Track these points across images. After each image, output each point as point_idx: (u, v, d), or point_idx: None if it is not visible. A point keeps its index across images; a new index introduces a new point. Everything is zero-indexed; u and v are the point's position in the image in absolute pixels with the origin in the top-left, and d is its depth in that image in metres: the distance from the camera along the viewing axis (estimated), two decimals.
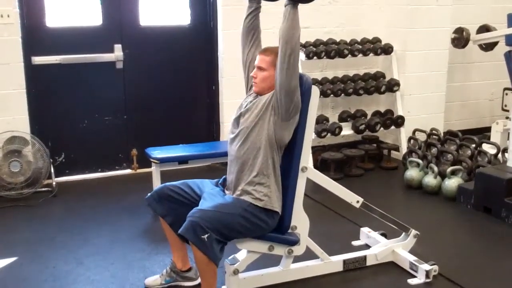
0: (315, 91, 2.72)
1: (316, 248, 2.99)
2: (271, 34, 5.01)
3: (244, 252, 2.84)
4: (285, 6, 2.55)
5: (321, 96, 4.74)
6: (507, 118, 5.15)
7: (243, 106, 2.79)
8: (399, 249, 3.19)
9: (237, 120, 2.76)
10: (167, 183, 2.84)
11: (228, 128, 2.90)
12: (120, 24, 4.62)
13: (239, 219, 2.58)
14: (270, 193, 2.66)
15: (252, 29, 2.90)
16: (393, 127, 5.12)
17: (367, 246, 3.37)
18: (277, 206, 2.69)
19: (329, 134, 4.85)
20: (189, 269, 2.95)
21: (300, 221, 2.81)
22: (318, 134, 4.75)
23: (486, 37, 5.22)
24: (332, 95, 4.95)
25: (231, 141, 2.78)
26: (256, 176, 2.65)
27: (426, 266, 3.00)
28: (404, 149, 5.07)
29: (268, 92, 2.71)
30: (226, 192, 2.79)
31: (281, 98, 2.59)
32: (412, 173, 4.44)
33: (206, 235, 2.45)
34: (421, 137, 5.04)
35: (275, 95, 2.63)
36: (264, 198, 2.64)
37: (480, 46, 5.41)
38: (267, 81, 2.70)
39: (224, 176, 2.89)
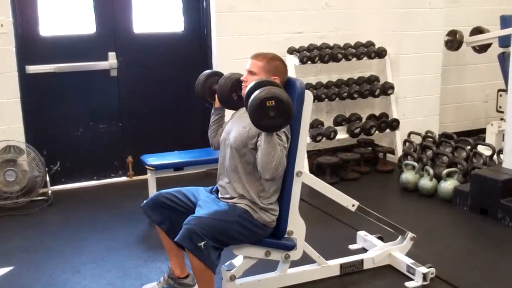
0: (309, 95, 2.72)
1: (312, 253, 2.99)
2: (264, 39, 5.05)
3: (240, 258, 2.84)
4: (260, 134, 2.54)
5: (316, 100, 4.75)
6: (501, 119, 5.16)
7: (231, 122, 2.84)
8: (396, 252, 3.18)
9: (226, 136, 2.79)
10: (162, 191, 2.84)
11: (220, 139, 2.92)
12: (114, 32, 4.62)
13: (235, 226, 2.58)
14: (264, 211, 2.67)
15: (218, 131, 3.01)
16: (388, 130, 5.13)
17: (364, 250, 3.37)
18: (270, 221, 2.69)
19: (324, 138, 4.85)
20: (187, 276, 2.94)
21: (296, 226, 2.81)
22: (313, 138, 4.75)
23: (480, 39, 5.25)
24: (326, 99, 4.95)
25: (222, 148, 2.81)
26: (248, 192, 2.66)
27: (423, 269, 3.00)
28: (399, 152, 5.08)
29: None
30: (219, 194, 2.80)
31: None
32: (408, 176, 4.45)
33: (203, 243, 2.45)
34: (416, 139, 5.06)
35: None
36: (259, 212, 2.65)
37: (474, 48, 5.43)
38: None
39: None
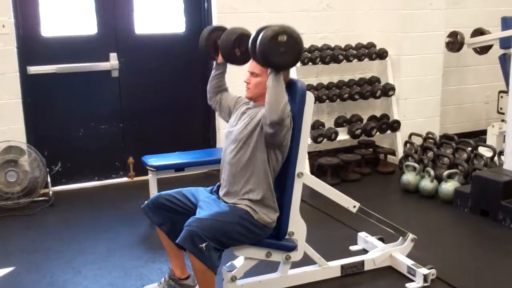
0: (310, 97, 2.73)
1: (313, 254, 2.99)
2: None
3: (241, 259, 2.84)
4: (268, 74, 2.52)
5: (317, 101, 4.76)
6: (502, 121, 5.16)
7: (234, 120, 2.82)
8: (396, 253, 3.19)
9: (230, 133, 2.77)
10: (162, 192, 2.84)
11: (224, 135, 2.91)
12: (115, 33, 4.62)
13: (236, 227, 2.58)
14: (266, 211, 2.67)
15: (218, 87, 2.98)
16: (389, 131, 5.13)
17: (364, 251, 3.37)
18: (270, 222, 2.69)
19: (325, 139, 4.85)
20: (188, 277, 2.94)
21: (297, 227, 2.81)
22: (314, 139, 4.75)
23: (481, 40, 5.25)
24: (327, 101, 4.96)
25: (225, 148, 2.79)
26: (250, 192, 2.66)
27: (424, 270, 3.00)
28: (400, 153, 5.08)
29: (260, 99, 2.71)
30: (220, 194, 2.79)
31: (270, 141, 2.61)
32: (409, 177, 4.45)
33: (204, 244, 2.45)
34: (417, 141, 5.05)
35: (265, 134, 2.60)
36: (260, 213, 2.65)
37: (475, 49, 5.43)
38: (260, 87, 2.70)
39: (218, 183, 2.88)
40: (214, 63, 2.99)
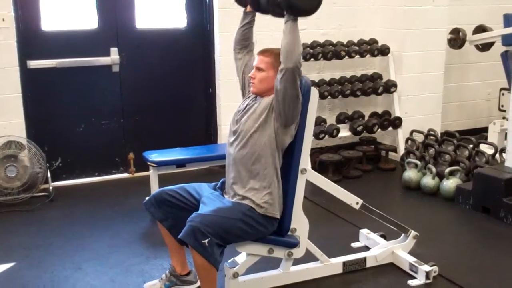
0: (314, 92, 2.72)
1: (315, 250, 2.98)
2: (269, 37, 5.03)
3: (243, 255, 2.83)
4: (285, 22, 2.51)
5: (319, 98, 4.70)
6: (504, 118, 5.16)
7: (241, 109, 2.78)
8: (398, 250, 3.18)
9: (235, 123, 2.75)
10: (165, 188, 2.83)
11: (226, 131, 2.89)
12: (116, 27, 4.60)
13: (239, 224, 2.56)
14: (272, 200, 2.65)
15: (245, 40, 2.93)
16: (390, 128, 5.12)
17: (366, 248, 3.36)
18: (277, 213, 2.68)
19: (326, 136, 4.84)
20: (189, 273, 2.94)
21: (299, 223, 2.80)
22: (316, 136, 4.73)
23: (483, 37, 5.24)
24: (329, 97, 4.94)
25: (229, 144, 2.76)
26: (257, 182, 2.64)
27: (426, 267, 2.99)
28: (402, 150, 5.07)
29: (266, 94, 2.70)
30: (225, 196, 2.77)
31: (283, 107, 2.57)
32: (410, 174, 4.44)
33: (207, 240, 2.44)
34: (419, 138, 5.05)
35: (276, 103, 2.60)
36: (265, 205, 2.63)
37: (477, 46, 5.42)
38: (265, 82, 2.69)
39: (222, 179, 2.87)
40: (243, 12, 2.93)
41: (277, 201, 2.67)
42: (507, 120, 4.97)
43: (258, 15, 2.91)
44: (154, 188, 3.82)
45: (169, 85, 4.86)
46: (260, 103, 2.69)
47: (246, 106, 2.76)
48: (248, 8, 2.87)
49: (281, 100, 2.56)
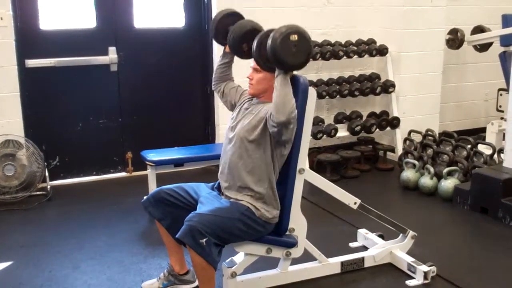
0: (312, 92, 2.71)
1: (314, 250, 2.98)
2: None
3: (241, 255, 2.83)
4: (275, 76, 2.49)
5: (317, 98, 4.70)
6: (502, 118, 5.16)
7: (236, 115, 2.79)
8: (396, 250, 3.18)
9: (231, 130, 2.75)
10: (163, 187, 2.82)
11: (223, 130, 2.89)
12: (115, 27, 4.59)
13: (237, 223, 2.56)
14: (267, 207, 2.65)
15: (224, 76, 2.95)
16: (388, 128, 5.13)
17: (364, 248, 3.36)
18: (272, 218, 2.68)
19: (324, 135, 4.84)
20: (187, 272, 2.93)
21: (297, 223, 2.80)
22: (314, 136, 4.73)
23: (481, 38, 5.24)
24: (327, 97, 4.95)
25: (225, 146, 2.77)
26: (252, 188, 2.64)
27: (424, 267, 2.99)
28: (399, 150, 5.07)
29: (263, 95, 2.70)
30: (222, 196, 2.77)
31: (276, 140, 2.59)
32: (408, 174, 4.44)
33: (204, 239, 2.44)
34: (417, 138, 5.05)
35: (269, 127, 2.57)
36: (261, 210, 2.64)
37: (475, 47, 5.43)
38: (263, 83, 2.69)
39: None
40: (222, 50, 2.94)
41: (273, 208, 2.68)
42: (505, 120, 4.98)
43: None
44: (152, 187, 3.81)
45: (167, 85, 4.86)
46: (256, 113, 2.67)
47: (241, 110, 2.77)
48: (227, 48, 2.88)
49: (276, 137, 2.58)
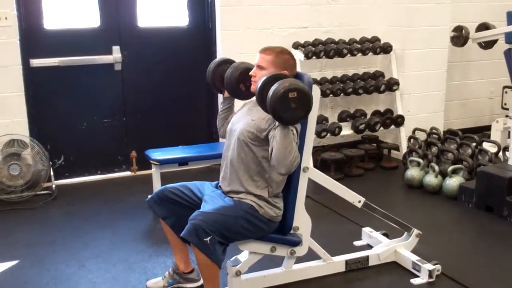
0: (316, 91, 2.71)
1: (318, 249, 2.98)
2: (269, 34, 5.03)
3: (246, 253, 2.84)
4: (275, 127, 2.50)
5: (320, 96, 4.71)
6: (507, 116, 5.15)
7: (238, 116, 2.81)
8: (401, 249, 3.18)
9: (234, 129, 2.75)
10: (168, 185, 2.83)
11: (227, 129, 2.89)
12: (118, 26, 4.60)
13: (241, 222, 2.57)
14: (270, 205, 2.65)
15: (226, 119, 2.98)
16: (393, 126, 5.11)
17: (369, 246, 3.36)
18: (275, 216, 2.68)
19: (328, 134, 4.83)
20: (192, 271, 2.94)
21: (302, 221, 2.80)
22: (318, 134, 4.73)
23: (486, 35, 5.22)
24: (331, 95, 4.94)
25: (226, 147, 2.78)
26: (255, 187, 2.64)
27: (429, 266, 2.99)
28: (404, 148, 5.06)
29: None
30: (226, 194, 2.77)
31: None
32: (413, 172, 4.43)
33: (209, 238, 2.44)
34: (421, 136, 5.04)
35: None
36: (265, 208, 2.64)
37: (480, 44, 5.40)
38: None
39: None
40: (222, 97, 3.02)
41: (276, 206, 2.68)
42: (510, 118, 4.98)
43: None
44: (157, 186, 3.82)
45: (171, 84, 4.86)
46: (262, 118, 2.65)
47: (247, 109, 2.78)
48: (226, 93, 2.95)
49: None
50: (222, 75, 2.91)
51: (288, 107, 2.37)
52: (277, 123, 2.47)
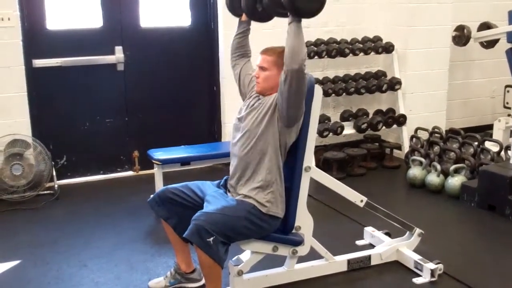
0: (318, 90, 2.72)
1: (320, 248, 2.98)
2: (271, 34, 5.01)
3: (248, 253, 2.83)
4: (289, 23, 2.49)
5: (323, 95, 4.71)
6: (509, 115, 5.14)
7: (243, 109, 2.79)
8: (403, 248, 3.18)
9: (239, 123, 2.75)
10: (169, 186, 2.83)
11: (230, 128, 2.89)
12: (121, 26, 4.60)
13: (244, 222, 2.57)
14: (274, 199, 2.65)
15: (241, 48, 2.95)
16: (395, 125, 5.11)
17: (371, 246, 3.36)
18: (280, 212, 2.68)
19: (331, 133, 4.84)
20: (193, 271, 2.94)
21: (304, 221, 2.80)
22: (320, 133, 4.73)
23: (487, 34, 5.21)
24: (333, 95, 4.94)
25: (233, 144, 2.77)
26: (260, 182, 2.64)
27: (431, 265, 2.99)
28: (406, 147, 5.06)
29: (270, 93, 2.70)
30: (229, 194, 2.78)
31: (287, 108, 2.56)
32: (415, 171, 4.43)
33: (212, 238, 2.44)
34: (423, 135, 5.03)
35: (279, 103, 2.59)
36: (268, 204, 2.63)
37: (481, 43, 5.40)
38: (270, 81, 2.69)
39: (225, 177, 2.87)
40: (238, 21, 2.96)
41: (280, 200, 2.68)
42: None
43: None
44: (159, 186, 3.83)
45: (173, 84, 4.87)
46: (264, 104, 2.68)
47: (249, 106, 2.76)
48: (243, 17, 2.91)
49: (285, 100, 2.55)
50: None
51: None
52: (290, 19, 2.45)
